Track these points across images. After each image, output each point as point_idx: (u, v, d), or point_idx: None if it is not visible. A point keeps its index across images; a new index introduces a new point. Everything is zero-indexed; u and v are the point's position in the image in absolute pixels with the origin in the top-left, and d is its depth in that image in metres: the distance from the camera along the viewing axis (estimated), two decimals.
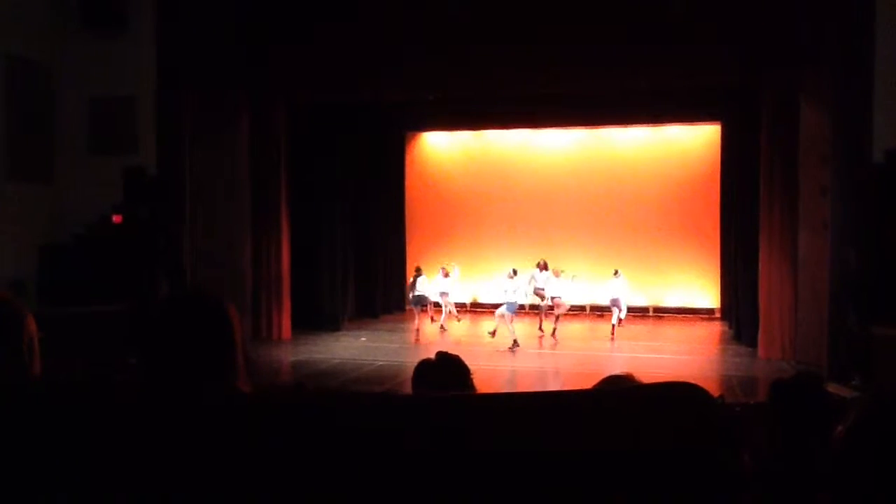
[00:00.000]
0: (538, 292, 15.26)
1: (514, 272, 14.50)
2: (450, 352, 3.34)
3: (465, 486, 0.93)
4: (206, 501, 0.96)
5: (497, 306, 14.61)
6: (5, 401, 1.06)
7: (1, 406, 1.05)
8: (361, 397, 1.07)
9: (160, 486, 0.96)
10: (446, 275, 15.90)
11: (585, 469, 0.93)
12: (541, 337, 15.27)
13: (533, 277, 15.09)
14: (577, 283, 15.49)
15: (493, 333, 14.46)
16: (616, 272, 15.57)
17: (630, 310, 16.23)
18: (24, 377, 2.03)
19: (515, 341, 13.78)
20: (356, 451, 0.96)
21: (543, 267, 15.30)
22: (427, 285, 15.69)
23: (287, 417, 1.01)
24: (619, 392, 1.09)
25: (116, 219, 12.42)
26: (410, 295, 15.90)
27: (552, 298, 15.03)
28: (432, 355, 3.32)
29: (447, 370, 3.19)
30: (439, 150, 20.10)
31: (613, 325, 15.23)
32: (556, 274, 15.15)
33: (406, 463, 0.94)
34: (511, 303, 14.05)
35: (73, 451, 0.98)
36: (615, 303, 15.32)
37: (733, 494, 1.00)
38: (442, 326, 16.04)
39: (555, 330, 15.03)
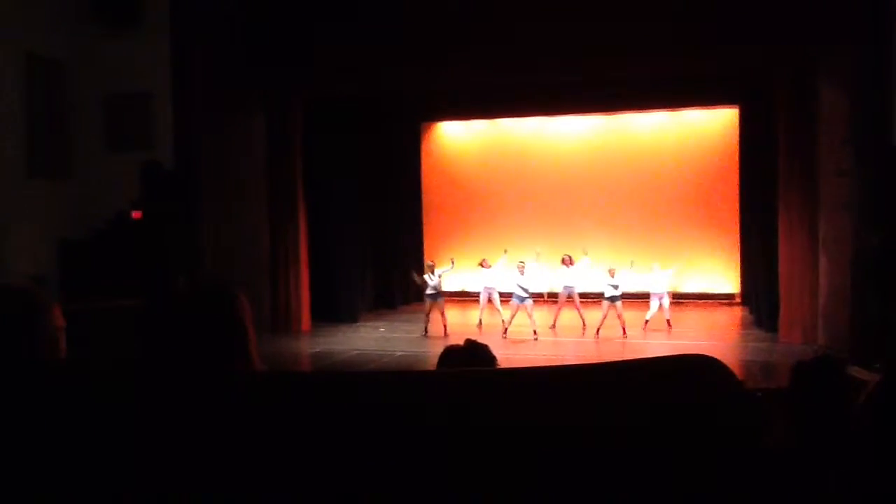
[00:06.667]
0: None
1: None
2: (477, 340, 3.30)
3: (471, 460, 0.92)
4: (220, 479, 0.95)
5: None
6: (21, 382, 1.06)
7: (14, 387, 1.05)
8: (380, 374, 1.07)
9: (173, 467, 0.96)
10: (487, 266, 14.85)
11: (593, 444, 0.92)
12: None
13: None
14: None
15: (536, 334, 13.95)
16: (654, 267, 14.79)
17: (648, 297, 15.57)
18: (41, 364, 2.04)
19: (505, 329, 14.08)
20: (375, 426, 0.95)
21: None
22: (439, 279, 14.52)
23: (303, 395, 1.00)
24: (629, 364, 1.06)
25: (136, 214, 12.48)
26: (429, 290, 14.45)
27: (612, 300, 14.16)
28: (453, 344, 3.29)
29: (473, 358, 3.14)
30: (455, 139, 20.05)
31: (668, 319, 14.53)
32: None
33: (422, 438, 0.94)
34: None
35: (83, 433, 0.98)
36: (660, 295, 14.50)
37: (753, 474, 0.98)
38: (480, 321, 14.86)
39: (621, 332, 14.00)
